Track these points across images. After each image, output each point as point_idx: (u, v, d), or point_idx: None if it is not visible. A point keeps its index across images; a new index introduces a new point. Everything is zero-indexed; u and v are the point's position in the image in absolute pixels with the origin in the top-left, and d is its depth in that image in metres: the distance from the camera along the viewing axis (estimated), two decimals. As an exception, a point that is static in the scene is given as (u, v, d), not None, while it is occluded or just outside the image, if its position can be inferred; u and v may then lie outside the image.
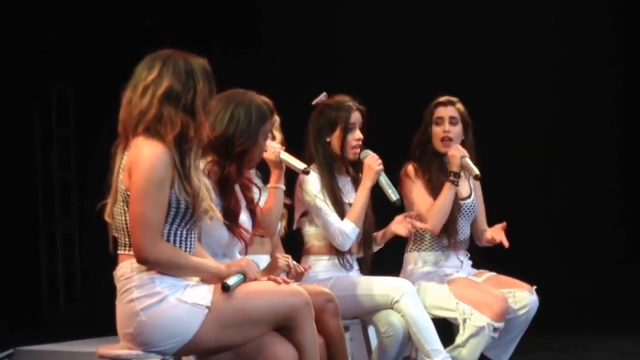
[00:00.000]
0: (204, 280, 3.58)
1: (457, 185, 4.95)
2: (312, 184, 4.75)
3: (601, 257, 8.10)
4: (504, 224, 5.00)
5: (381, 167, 4.73)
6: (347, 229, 4.70)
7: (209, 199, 3.52)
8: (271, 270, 4.14)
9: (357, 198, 4.75)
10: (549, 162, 8.35)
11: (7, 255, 8.43)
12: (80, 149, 9.04)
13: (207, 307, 3.46)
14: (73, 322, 8.22)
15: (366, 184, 4.73)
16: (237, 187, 4.06)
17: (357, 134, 4.79)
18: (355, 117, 4.79)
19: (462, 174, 5.04)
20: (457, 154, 4.95)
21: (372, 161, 4.74)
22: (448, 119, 5.02)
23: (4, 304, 8.02)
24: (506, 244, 4.95)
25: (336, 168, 4.85)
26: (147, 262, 3.43)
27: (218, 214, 3.61)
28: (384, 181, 4.75)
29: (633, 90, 8.24)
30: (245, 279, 3.57)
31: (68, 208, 9.20)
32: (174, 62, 3.51)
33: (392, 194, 4.72)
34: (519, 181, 8.07)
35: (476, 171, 4.91)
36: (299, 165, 4.38)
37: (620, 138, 8.32)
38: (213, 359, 3.58)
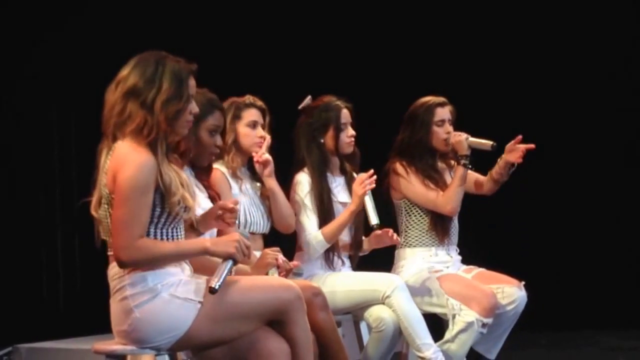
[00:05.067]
0: (197, 269, 3.64)
1: (471, 168, 5.03)
2: (302, 185, 4.85)
3: (590, 253, 8.13)
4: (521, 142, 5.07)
5: (365, 190, 4.73)
6: (316, 240, 4.78)
7: (184, 191, 3.55)
8: (260, 265, 4.20)
9: (339, 217, 4.81)
10: (537, 157, 8.35)
11: (8, 253, 8.47)
12: (82, 151, 9.08)
13: (199, 302, 3.52)
14: (73, 320, 8.25)
15: (350, 207, 4.79)
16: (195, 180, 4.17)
17: (350, 131, 4.91)
18: (345, 115, 4.91)
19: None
20: (461, 138, 5.02)
21: (357, 185, 4.76)
22: (447, 121, 5.11)
23: (4, 301, 8.06)
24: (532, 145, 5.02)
25: (330, 168, 4.95)
26: (126, 265, 3.47)
27: (190, 202, 3.59)
28: (369, 204, 4.74)
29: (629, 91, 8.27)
30: (235, 263, 3.57)
31: (69, 208, 9.24)
32: (146, 61, 3.58)
33: (372, 218, 4.72)
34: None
35: (489, 142, 4.98)
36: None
37: (609, 135, 8.35)
38: (207, 354, 3.62)
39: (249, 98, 4.68)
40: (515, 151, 5.07)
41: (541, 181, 8.16)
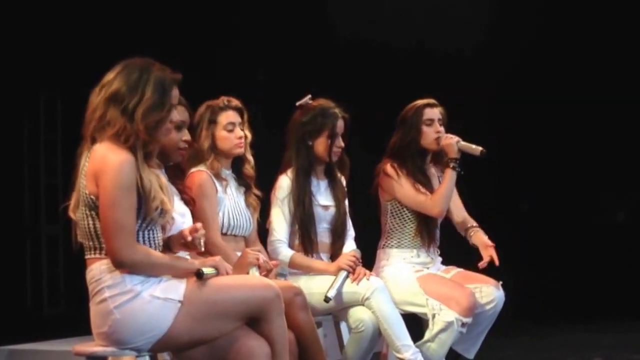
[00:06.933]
0: (178, 276, 3.65)
1: (459, 171, 5.04)
2: (282, 190, 4.87)
3: (568, 252, 8.19)
4: (493, 244, 5.11)
5: (347, 267, 4.74)
6: (283, 256, 4.80)
7: (162, 195, 3.58)
8: (241, 265, 4.22)
9: (313, 261, 4.84)
10: (516, 157, 8.41)
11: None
12: (67, 156, 9.09)
13: (179, 301, 3.54)
14: (56, 323, 8.27)
15: (327, 268, 4.82)
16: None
17: (340, 142, 4.90)
18: (340, 125, 4.90)
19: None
20: (452, 141, 5.06)
21: (345, 258, 4.79)
22: (437, 121, 5.13)
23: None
24: (496, 262, 5.04)
25: (316, 170, 4.96)
26: (125, 266, 3.50)
27: (168, 206, 3.61)
28: (339, 279, 4.73)
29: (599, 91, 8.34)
30: (218, 274, 3.65)
31: (54, 212, 9.26)
32: (131, 68, 3.60)
33: (331, 291, 4.67)
34: (487, 177, 8.16)
35: (479, 148, 5.02)
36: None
37: (587, 136, 8.43)
38: (187, 354, 3.64)
39: (223, 100, 4.67)
40: (486, 251, 5.08)
41: (517, 180, 8.23)
